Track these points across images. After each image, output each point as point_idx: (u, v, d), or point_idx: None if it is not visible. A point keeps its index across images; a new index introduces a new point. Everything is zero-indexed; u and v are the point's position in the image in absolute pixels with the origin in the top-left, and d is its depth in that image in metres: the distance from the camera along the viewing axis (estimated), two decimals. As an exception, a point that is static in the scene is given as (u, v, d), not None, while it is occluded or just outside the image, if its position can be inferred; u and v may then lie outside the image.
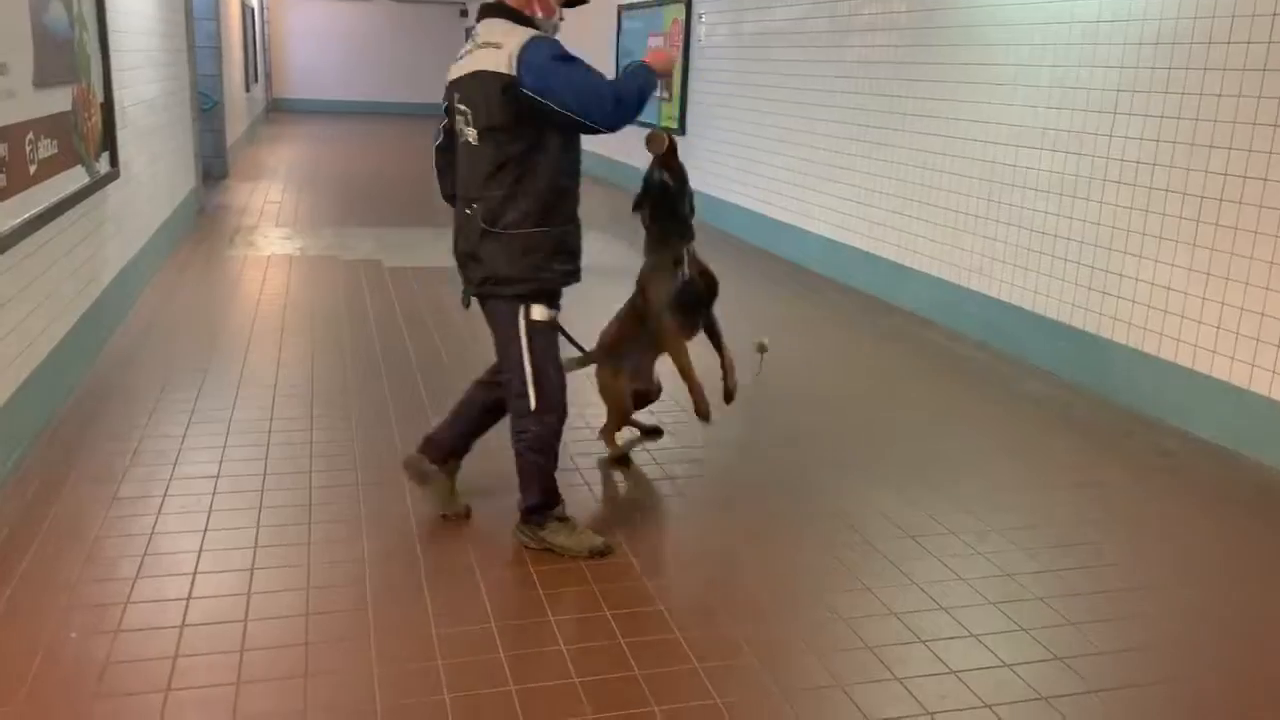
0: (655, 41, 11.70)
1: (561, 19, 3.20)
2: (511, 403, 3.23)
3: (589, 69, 2.97)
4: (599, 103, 2.92)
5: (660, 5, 11.50)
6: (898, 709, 2.60)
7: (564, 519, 3.32)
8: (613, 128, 2.97)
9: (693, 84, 10.73)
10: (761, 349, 5.56)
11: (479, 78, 2.99)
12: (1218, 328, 4.56)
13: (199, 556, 3.19)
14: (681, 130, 10.98)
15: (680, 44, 10.86)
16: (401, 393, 4.78)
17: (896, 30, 6.93)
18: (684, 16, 10.76)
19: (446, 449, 3.49)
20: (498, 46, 2.96)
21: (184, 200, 8.46)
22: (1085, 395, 5.18)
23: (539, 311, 3.13)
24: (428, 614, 2.92)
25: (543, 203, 3.08)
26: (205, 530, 3.36)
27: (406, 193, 11.53)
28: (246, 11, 16.49)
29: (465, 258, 3.21)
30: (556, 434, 3.25)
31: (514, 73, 2.92)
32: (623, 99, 2.93)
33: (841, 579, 3.26)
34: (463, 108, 3.10)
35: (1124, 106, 5.01)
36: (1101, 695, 2.70)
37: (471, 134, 3.08)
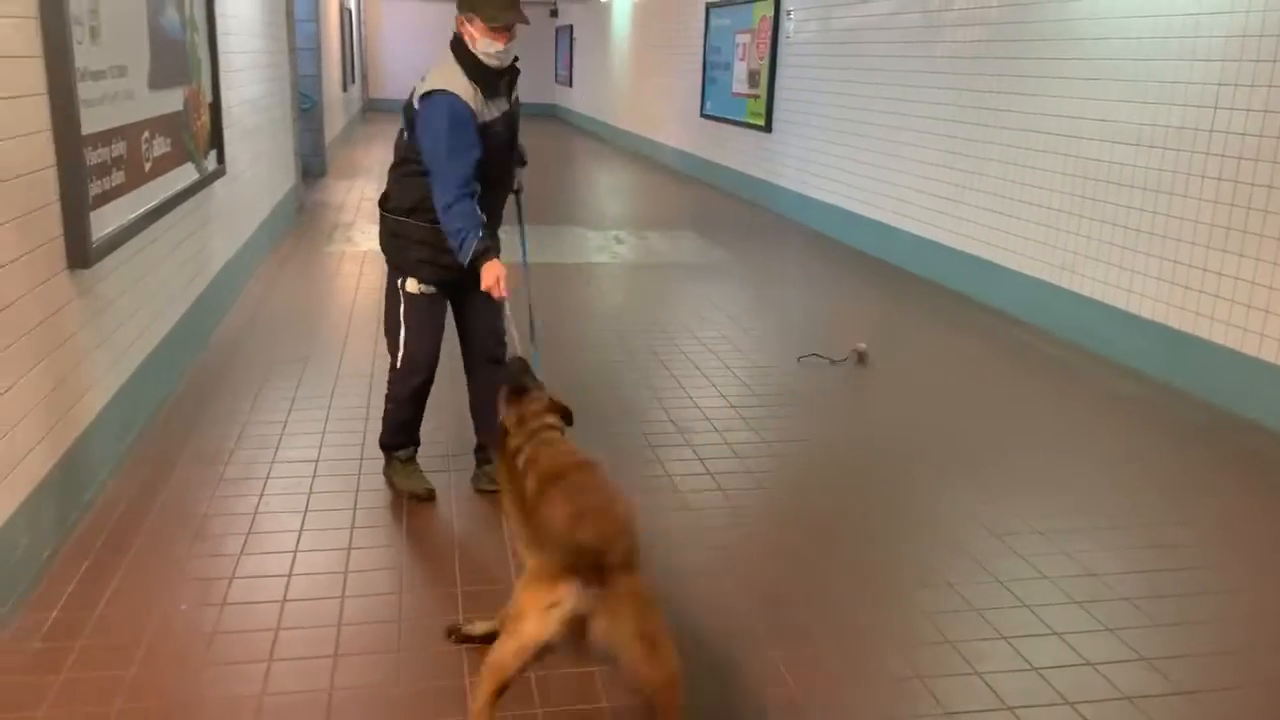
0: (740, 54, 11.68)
1: (509, 41, 3.25)
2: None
3: (452, 157, 3.19)
4: (440, 185, 3.22)
5: (749, 2, 11.49)
6: (977, 703, 2.61)
7: (406, 461, 3.70)
8: (438, 203, 3.23)
9: (780, 80, 10.70)
10: (860, 355, 5.54)
11: (413, 92, 3.35)
12: (1322, 328, 4.42)
13: (299, 535, 3.34)
14: (768, 127, 10.97)
15: (768, 40, 10.84)
16: (490, 384, 4.90)
17: (988, 25, 6.84)
18: (772, 13, 10.74)
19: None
20: (423, 80, 3.33)
21: (284, 197, 8.76)
22: (1179, 395, 5.06)
23: (412, 284, 3.47)
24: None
25: (413, 202, 3.38)
26: (305, 511, 3.51)
27: (496, 190, 11.71)
28: (344, 13, 16.95)
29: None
30: (415, 390, 3.59)
31: (415, 107, 3.31)
32: (450, 208, 3.20)
33: (924, 574, 3.26)
34: None
35: (1225, 101, 4.88)
36: (1189, 698, 2.66)
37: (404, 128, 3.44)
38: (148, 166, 4.26)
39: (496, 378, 3.12)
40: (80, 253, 3.38)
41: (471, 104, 3.22)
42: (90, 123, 3.46)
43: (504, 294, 3.24)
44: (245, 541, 3.29)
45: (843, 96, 9.14)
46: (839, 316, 6.26)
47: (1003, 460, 4.21)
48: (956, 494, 3.87)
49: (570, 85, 23.98)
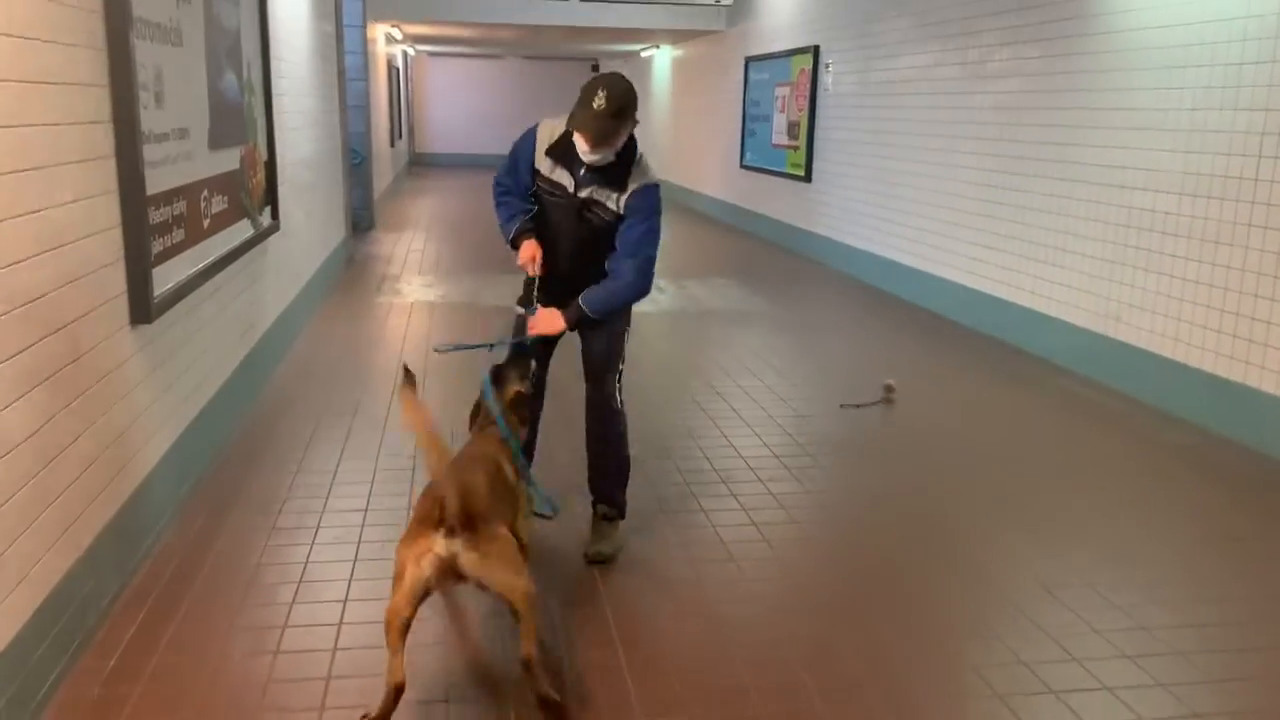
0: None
1: (594, 149, 3.35)
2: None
3: (508, 156, 3.64)
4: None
5: (787, 55, 11.65)
6: (1027, 758, 2.58)
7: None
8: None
9: (820, 132, 10.80)
10: (889, 391, 5.60)
11: None
12: (1375, 377, 4.36)
13: (349, 585, 3.39)
14: (808, 178, 11.05)
15: (807, 92, 10.96)
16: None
17: (1026, 76, 6.88)
18: (811, 66, 10.87)
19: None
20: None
21: (335, 250, 8.96)
22: (1231, 446, 4.99)
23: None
24: (558, 634, 3.04)
25: None
26: (355, 560, 3.57)
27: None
28: (392, 71, 17.38)
29: None
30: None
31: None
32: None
33: (972, 626, 3.24)
34: None
35: (1269, 150, 4.87)
36: (1244, 755, 2.62)
37: None
38: (206, 224, 4.40)
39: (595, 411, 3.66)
40: (142, 309, 3.50)
41: (539, 147, 3.51)
42: (154, 183, 3.60)
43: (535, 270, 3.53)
44: (297, 590, 3.35)
45: (882, 147, 9.21)
46: (880, 364, 6.26)
47: (1050, 510, 4.18)
48: (1004, 544, 3.84)
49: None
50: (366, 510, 3.99)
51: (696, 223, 14.20)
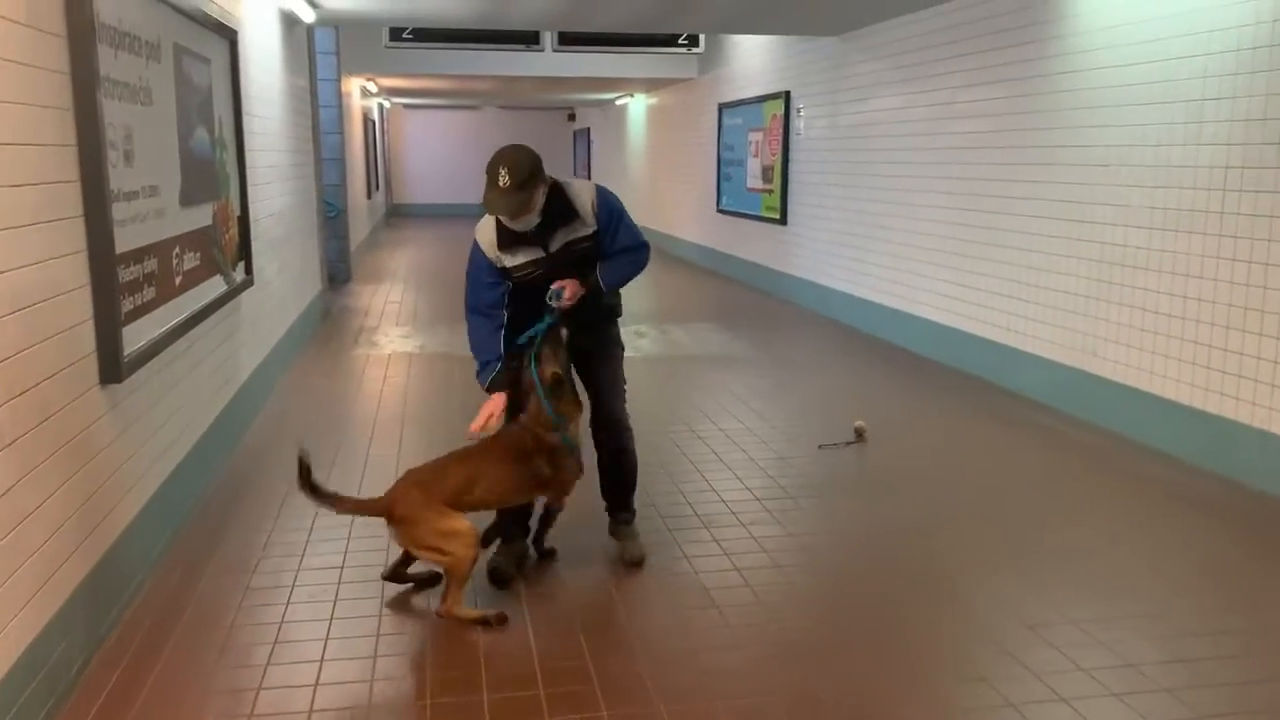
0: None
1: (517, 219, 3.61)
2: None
3: (470, 290, 3.84)
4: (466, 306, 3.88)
5: (760, 101, 11.78)
6: (1017, 803, 2.54)
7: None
8: None
9: (793, 175, 10.91)
10: (860, 433, 5.60)
11: None
12: (1349, 406, 4.39)
13: (325, 644, 3.33)
14: (784, 220, 11.14)
15: (780, 137, 11.08)
16: (515, 484, 4.91)
17: (994, 116, 6.98)
18: (783, 111, 11.00)
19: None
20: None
21: (310, 303, 8.93)
22: (1209, 478, 5.01)
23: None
24: (540, 702, 2.99)
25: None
26: (331, 619, 3.51)
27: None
28: (368, 124, 17.47)
29: None
30: None
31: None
32: (468, 328, 3.87)
33: (958, 668, 3.21)
34: None
35: (1233, 184, 4.94)
36: (1236, 792, 2.59)
37: None
38: (178, 281, 4.38)
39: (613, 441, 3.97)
40: (113, 368, 3.46)
41: (488, 253, 3.69)
42: (123, 241, 3.58)
43: (476, 429, 3.66)
44: (272, 651, 3.28)
45: (855, 188, 9.30)
46: (859, 404, 6.27)
47: (1032, 547, 4.17)
48: (986, 583, 3.82)
49: (588, 185, 24.44)
50: (343, 568, 3.94)
51: (676, 267, 14.26)
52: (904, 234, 8.34)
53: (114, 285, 3.44)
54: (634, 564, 3.97)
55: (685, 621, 3.52)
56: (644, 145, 19.09)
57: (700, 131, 14.32)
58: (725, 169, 13.26)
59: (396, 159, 26.46)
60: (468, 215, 25.35)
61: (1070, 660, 3.23)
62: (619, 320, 4.06)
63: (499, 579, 3.76)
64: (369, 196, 17.39)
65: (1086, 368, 6.05)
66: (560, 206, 3.64)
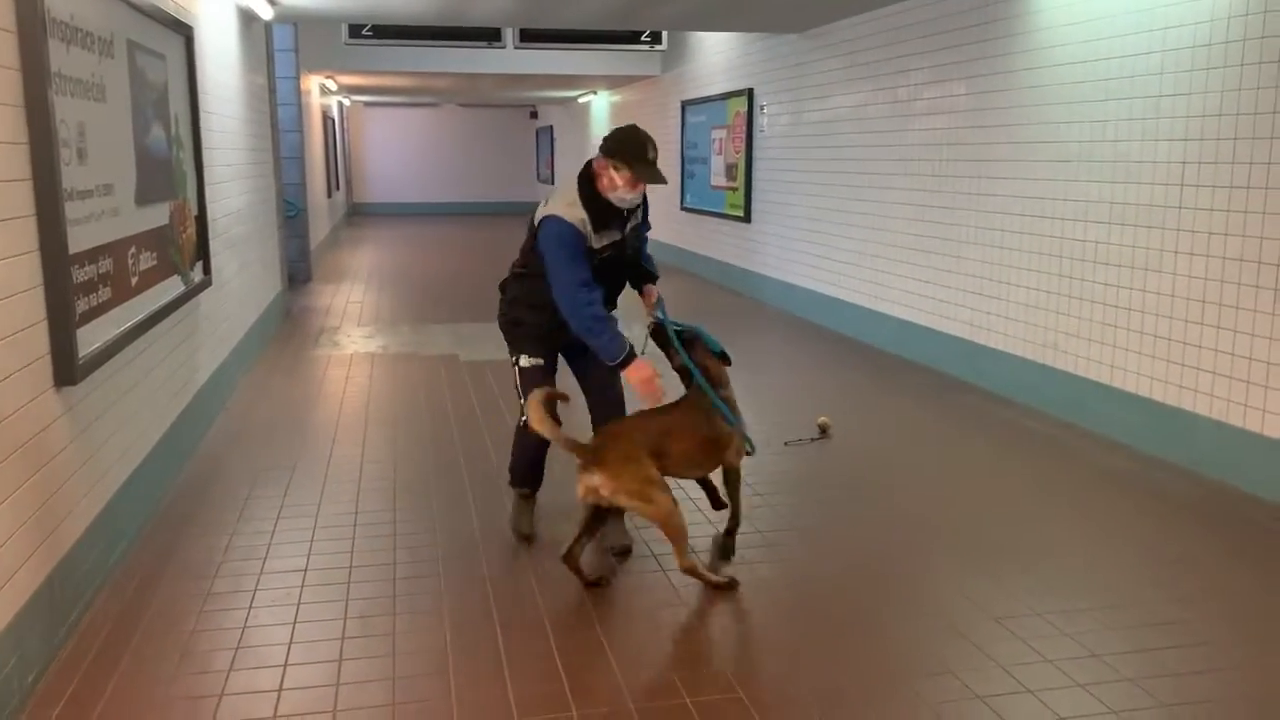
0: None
1: (633, 191, 3.83)
2: None
3: (568, 268, 3.76)
4: (560, 292, 3.78)
5: (723, 99, 11.79)
6: (986, 795, 2.55)
7: (523, 498, 4.22)
8: (561, 311, 3.81)
9: (757, 173, 10.93)
10: (824, 429, 5.63)
11: (537, 209, 3.97)
12: (1304, 397, 4.46)
13: (289, 649, 3.28)
14: (748, 218, 11.16)
15: (743, 134, 11.10)
16: (481, 483, 4.88)
17: (957, 113, 7.03)
18: (746, 108, 11.02)
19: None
20: (545, 203, 3.91)
21: (271, 304, 8.82)
22: (1170, 469, 5.07)
23: (524, 360, 4.02)
24: (509, 703, 2.96)
25: (525, 296, 4.01)
26: (294, 623, 3.46)
27: (480, 289, 11.82)
28: (328, 122, 17.29)
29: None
30: (537, 442, 3.92)
31: (536, 225, 3.87)
32: (576, 314, 3.77)
33: (926, 663, 3.22)
34: None
35: (1190, 179, 5.00)
36: (1200, 780, 2.61)
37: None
38: (134, 281, 4.29)
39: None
40: (67, 370, 3.39)
41: (583, 231, 3.75)
42: (77, 241, 3.50)
43: (657, 394, 3.82)
44: (234, 657, 3.23)
45: (819, 185, 9.33)
46: (824, 401, 6.29)
47: (997, 541, 4.19)
48: (953, 577, 3.84)
49: (553, 184, 24.38)
50: (306, 570, 3.88)
51: (638, 265, 14.21)
52: (868, 230, 8.39)
53: (68, 286, 3.37)
54: (618, 553, 4.01)
55: (655, 620, 3.51)
56: (607, 143, 19.03)
57: (664, 129, 14.31)
58: (689, 167, 13.26)
59: (357, 157, 26.21)
60: (429, 215, 25.22)
61: (1036, 652, 3.25)
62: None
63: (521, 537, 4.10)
64: (329, 195, 17.21)
65: (1050, 362, 6.11)
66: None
